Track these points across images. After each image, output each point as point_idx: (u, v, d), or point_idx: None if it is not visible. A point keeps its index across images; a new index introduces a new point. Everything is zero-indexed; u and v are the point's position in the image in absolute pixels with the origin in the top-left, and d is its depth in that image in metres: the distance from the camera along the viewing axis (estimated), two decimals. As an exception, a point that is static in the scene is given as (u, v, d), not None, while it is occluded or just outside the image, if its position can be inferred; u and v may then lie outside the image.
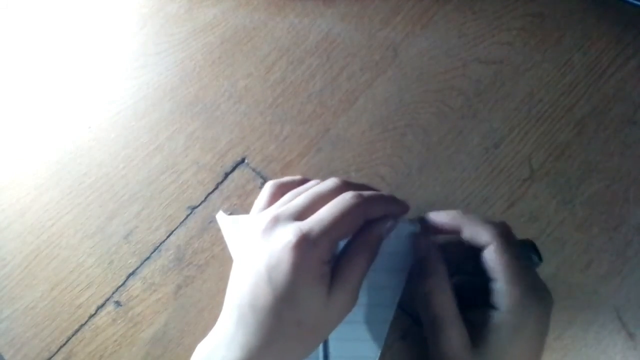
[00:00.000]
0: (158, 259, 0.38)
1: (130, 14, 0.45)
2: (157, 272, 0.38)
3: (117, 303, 0.38)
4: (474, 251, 0.29)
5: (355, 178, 0.39)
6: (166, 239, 0.39)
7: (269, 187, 0.32)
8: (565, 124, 0.39)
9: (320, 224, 0.25)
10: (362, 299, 0.31)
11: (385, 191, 0.38)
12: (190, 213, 0.39)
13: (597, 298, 0.35)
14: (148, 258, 0.38)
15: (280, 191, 0.31)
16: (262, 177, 0.40)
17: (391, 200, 0.29)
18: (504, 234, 0.28)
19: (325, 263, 0.25)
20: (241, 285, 0.26)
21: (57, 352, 0.37)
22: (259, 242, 0.26)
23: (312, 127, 0.40)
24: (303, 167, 0.40)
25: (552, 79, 0.40)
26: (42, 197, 0.40)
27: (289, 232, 0.25)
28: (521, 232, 0.32)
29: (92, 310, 0.38)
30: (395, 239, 0.30)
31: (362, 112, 0.40)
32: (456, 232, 0.29)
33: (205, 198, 0.39)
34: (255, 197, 0.39)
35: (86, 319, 0.37)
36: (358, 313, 0.32)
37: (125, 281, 0.38)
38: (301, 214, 0.26)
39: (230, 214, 0.39)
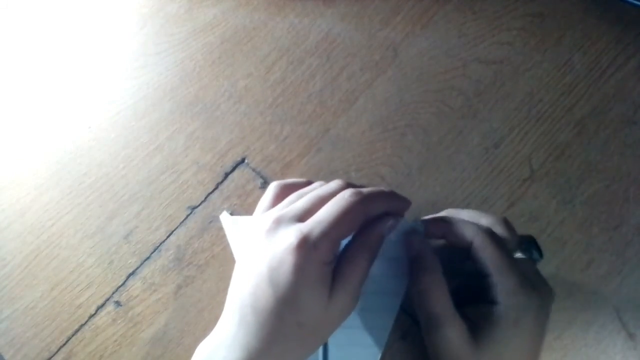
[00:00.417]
0: (158, 259, 0.38)
1: (130, 14, 0.45)
2: (157, 272, 0.38)
3: (117, 303, 0.38)
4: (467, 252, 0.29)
5: (355, 178, 0.39)
6: (166, 239, 0.39)
7: (273, 187, 0.32)
8: (565, 124, 0.39)
9: (320, 225, 0.25)
10: (363, 304, 0.30)
11: (385, 191, 0.38)
12: (190, 213, 0.39)
13: (597, 298, 0.35)
14: (148, 258, 0.38)
15: (284, 192, 0.31)
16: (262, 177, 0.40)
17: (392, 196, 0.29)
18: (485, 230, 0.28)
19: (327, 264, 0.25)
20: (243, 286, 0.26)
21: (57, 352, 0.37)
22: (261, 244, 0.26)
23: (312, 127, 0.40)
24: (303, 167, 0.40)
25: (552, 79, 0.40)
26: (42, 197, 0.40)
27: (291, 234, 0.25)
28: (521, 232, 0.32)
29: (92, 310, 0.38)
30: (396, 244, 0.30)
31: (362, 112, 0.40)
32: (442, 237, 0.30)
33: (205, 198, 0.39)
34: (255, 197, 0.39)
35: (86, 319, 0.37)
36: (358, 318, 0.32)
37: (125, 281, 0.38)
38: (303, 216, 0.26)
39: (231, 213, 0.39)
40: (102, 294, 0.38)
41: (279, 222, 0.26)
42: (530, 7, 0.41)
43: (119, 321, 0.37)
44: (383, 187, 0.38)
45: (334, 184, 0.28)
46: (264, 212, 0.31)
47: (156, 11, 0.45)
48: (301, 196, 0.28)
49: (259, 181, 0.40)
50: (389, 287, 0.32)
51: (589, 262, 0.36)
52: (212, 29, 0.44)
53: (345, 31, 0.43)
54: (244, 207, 0.39)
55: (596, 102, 0.39)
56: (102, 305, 0.38)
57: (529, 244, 0.31)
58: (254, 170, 0.40)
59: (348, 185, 0.28)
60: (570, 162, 0.38)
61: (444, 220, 0.30)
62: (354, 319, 0.30)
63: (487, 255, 0.27)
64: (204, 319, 0.37)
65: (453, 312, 0.27)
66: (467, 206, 0.37)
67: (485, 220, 0.30)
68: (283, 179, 0.39)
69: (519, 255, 0.30)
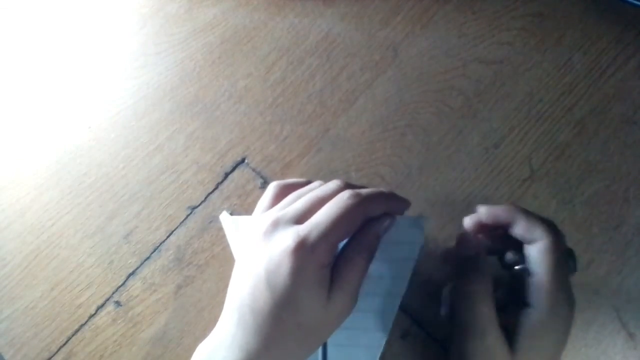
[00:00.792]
0: (158, 259, 0.38)
1: (130, 14, 0.45)
2: (157, 272, 0.38)
3: (117, 303, 0.38)
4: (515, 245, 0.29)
5: (355, 178, 0.39)
6: (166, 239, 0.39)
7: (272, 188, 0.32)
8: (565, 124, 0.39)
9: (318, 228, 0.25)
10: (362, 304, 0.30)
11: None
12: (190, 213, 0.39)
13: (597, 298, 0.35)
14: (148, 258, 0.38)
15: (284, 192, 0.31)
16: (262, 177, 0.40)
17: (391, 197, 0.29)
18: (557, 232, 0.28)
19: (325, 267, 0.25)
20: (241, 287, 0.26)
21: (57, 352, 0.37)
22: (259, 245, 0.26)
23: (312, 127, 0.40)
24: (303, 167, 0.40)
25: (552, 79, 0.40)
26: (42, 197, 0.40)
27: (288, 237, 0.25)
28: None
29: (92, 310, 0.38)
30: (396, 245, 0.30)
31: (362, 112, 0.40)
32: (505, 226, 0.29)
33: (205, 198, 0.39)
34: (255, 197, 0.39)
35: (86, 319, 0.37)
36: (357, 319, 0.32)
37: (125, 281, 0.38)
38: (302, 217, 0.26)
39: (231, 213, 0.39)
40: (102, 294, 0.38)
41: (277, 224, 0.26)
42: (530, 7, 0.41)
43: (119, 321, 0.37)
44: (382, 188, 0.38)
45: (333, 184, 0.28)
46: (263, 212, 0.30)
47: (156, 11, 0.45)
48: (300, 197, 0.28)
49: (259, 181, 0.39)
50: (388, 288, 0.32)
51: (589, 262, 0.36)
52: (212, 29, 0.44)
53: (345, 31, 0.43)
54: (244, 207, 0.39)
55: (596, 102, 0.39)
56: (102, 305, 0.38)
57: (569, 255, 0.30)
58: (254, 170, 0.40)
59: (347, 185, 0.28)
60: (570, 162, 0.38)
61: (515, 208, 0.29)
62: (353, 320, 0.30)
63: (549, 258, 0.27)
64: (204, 319, 0.37)
65: (496, 322, 0.27)
66: (467, 206, 0.37)
67: (539, 230, 0.29)
68: (283, 179, 0.39)
69: None
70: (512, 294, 0.28)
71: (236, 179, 0.40)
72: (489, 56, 0.41)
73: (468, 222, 0.30)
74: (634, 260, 0.35)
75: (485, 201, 0.37)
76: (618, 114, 0.38)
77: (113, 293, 0.38)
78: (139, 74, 0.43)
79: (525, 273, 0.28)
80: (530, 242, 0.28)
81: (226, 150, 0.41)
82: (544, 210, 0.37)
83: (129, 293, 0.38)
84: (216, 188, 0.40)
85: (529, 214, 0.28)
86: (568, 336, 0.28)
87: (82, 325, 0.37)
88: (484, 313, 0.27)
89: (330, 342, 0.32)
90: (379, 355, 0.32)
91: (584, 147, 0.38)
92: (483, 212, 0.30)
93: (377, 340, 0.32)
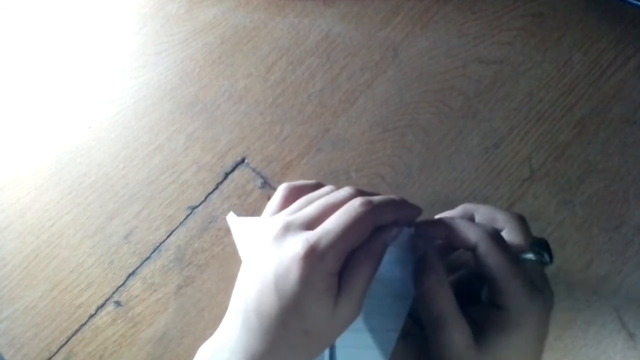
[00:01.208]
0: (158, 259, 0.38)
1: (130, 14, 0.45)
2: (157, 272, 0.38)
3: (117, 303, 0.38)
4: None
5: (355, 178, 0.39)
6: (166, 239, 0.39)
7: (282, 189, 0.31)
8: (565, 124, 0.39)
9: (328, 236, 0.24)
10: (372, 307, 0.30)
11: (385, 191, 0.38)
12: (190, 213, 0.39)
13: (597, 298, 0.35)
14: (148, 258, 0.38)
15: (293, 195, 0.31)
16: (262, 177, 0.40)
17: (402, 204, 0.29)
18: (490, 234, 0.28)
19: (333, 274, 0.25)
20: (248, 290, 0.26)
21: (57, 352, 0.37)
22: (268, 249, 0.26)
23: (312, 127, 0.40)
24: (303, 167, 0.40)
25: (552, 79, 0.40)
26: (42, 197, 0.40)
27: (298, 243, 0.24)
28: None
29: (92, 310, 0.38)
30: (406, 248, 0.30)
31: (362, 112, 0.40)
32: (446, 239, 0.29)
33: (205, 198, 0.39)
34: (255, 197, 0.39)
35: (86, 319, 0.37)
36: (367, 321, 0.32)
37: (125, 281, 0.38)
38: (312, 223, 0.26)
39: (230, 211, 0.39)
40: (102, 294, 0.38)
41: (287, 229, 0.26)
42: (530, 7, 0.41)
43: (119, 321, 0.37)
44: (382, 191, 0.38)
45: (345, 191, 0.28)
46: (272, 214, 0.30)
47: (156, 11, 0.45)
48: (311, 201, 0.28)
49: (259, 181, 0.39)
50: (398, 291, 0.31)
51: (589, 262, 0.36)
52: (212, 29, 0.44)
53: (345, 31, 0.43)
54: (244, 207, 0.39)
55: (596, 102, 0.39)
56: (102, 305, 0.38)
57: (541, 246, 0.30)
58: (254, 170, 0.40)
59: (359, 192, 0.28)
60: (570, 162, 0.38)
61: (446, 222, 0.29)
62: (362, 322, 0.29)
63: (492, 260, 0.27)
64: (204, 319, 0.37)
65: (457, 314, 0.27)
66: (467, 206, 0.37)
67: (501, 216, 0.30)
68: (283, 179, 0.39)
69: (530, 256, 0.29)
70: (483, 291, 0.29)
71: (236, 179, 0.40)
72: (489, 56, 0.41)
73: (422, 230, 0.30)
74: (634, 260, 0.35)
75: (485, 201, 0.37)
76: (618, 114, 0.38)
77: (113, 293, 0.38)
78: (139, 74, 0.43)
79: (484, 278, 0.28)
80: (472, 248, 0.28)
81: (226, 150, 0.41)
82: (544, 210, 0.37)
83: (129, 293, 0.38)
84: (216, 188, 0.40)
85: (459, 224, 0.29)
86: (545, 329, 0.28)
87: (82, 325, 0.37)
88: (441, 304, 0.27)
89: (339, 344, 0.31)
90: (388, 357, 0.32)
91: (584, 147, 0.38)
92: (421, 231, 0.30)
93: (386, 342, 0.32)
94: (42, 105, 0.43)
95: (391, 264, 0.30)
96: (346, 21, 0.43)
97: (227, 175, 0.40)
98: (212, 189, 0.40)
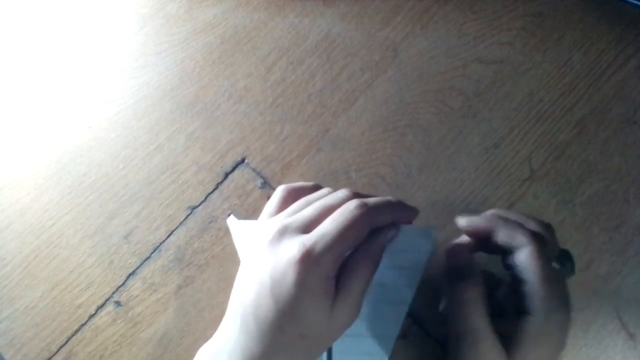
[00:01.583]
0: (158, 259, 0.38)
1: (130, 14, 0.45)
2: (157, 272, 0.38)
3: (117, 303, 0.38)
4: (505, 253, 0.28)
5: (355, 178, 0.39)
6: (166, 239, 0.39)
7: (280, 191, 0.31)
8: (565, 124, 0.39)
9: (324, 239, 0.24)
10: (369, 312, 0.30)
11: (385, 191, 0.38)
12: (190, 213, 0.39)
13: (597, 298, 0.35)
14: (148, 258, 0.38)
15: (292, 196, 0.31)
16: (262, 177, 0.40)
17: (399, 206, 0.28)
18: (539, 237, 0.27)
19: (330, 278, 0.25)
20: (245, 293, 0.26)
21: (57, 352, 0.37)
22: (265, 253, 0.26)
23: (312, 127, 0.40)
24: (303, 167, 0.40)
25: (552, 79, 0.40)
26: (42, 197, 0.40)
27: (294, 247, 0.24)
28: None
29: (92, 310, 0.38)
30: (404, 253, 0.30)
31: (362, 112, 0.40)
32: (487, 236, 0.29)
33: (205, 198, 0.39)
34: (255, 197, 0.39)
35: (86, 319, 0.37)
36: (364, 326, 0.32)
37: (125, 281, 0.38)
38: (308, 226, 0.26)
39: (230, 214, 0.39)
40: (102, 294, 0.38)
41: (283, 232, 0.26)
42: (530, 7, 0.41)
43: (119, 321, 0.37)
44: (383, 192, 0.38)
45: (341, 193, 0.28)
46: (270, 216, 0.30)
47: (156, 11, 0.45)
48: (307, 204, 0.28)
49: (259, 181, 0.39)
50: (396, 296, 0.31)
51: (589, 262, 0.36)
52: (212, 29, 0.44)
53: (345, 31, 0.43)
54: (244, 207, 0.39)
55: (596, 102, 0.39)
56: (102, 305, 0.38)
57: (565, 257, 0.30)
58: (254, 170, 0.40)
59: (355, 195, 0.28)
60: (570, 162, 0.38)
61: (492, 218, 0.29)
62: (359, 327, 0.29)
63: (534, 265, 0.26)
64: (204, 319, 0.37)
65: (490, 328, 0.27)
66: (467, 206, 0.37)
67: (531, 225, 0.29)
68: (283, 179, 0.39)
69: (556, 265, 0.29)
70: (513, 295, 0.28)
71: (236, 179, 0.40)
72: (489, 56, 0.41)
73: (462, 223, 0.30)
74: (634, 260, 0.35)
75: (485, 201, 0.37)
76: (618, 114, 0.38)
77: (113, 293, 0.38)
78: (139, 74, 0.43)
79: (518, 279, 0.28)
80: (514, 249, 0.28)
81: (226, 150, 0.41)
82: (544, 210, 0.37)
83: (129, 293, 0.38)
84: (216, 188, 0.40)
85: (508, 222, 0.28)
86: (566, 339, 0.28)
87: (82, 325, 0.37)
88: (477, 320, 0.27)
89: (336, 349, 0.31)
90: None
91: (584, 147, 0.38)
92: (463, 225, 0.29)
93: (383, 347, 0.32)
94: (42, 105, 0.43)
95: (389, 269, 0.30)
96: (346, 21, 0.43)
97: (227, 175, 0.40)
98: (212, 189, 0.40)
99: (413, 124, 0.40)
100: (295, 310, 0.24)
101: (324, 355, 0.31)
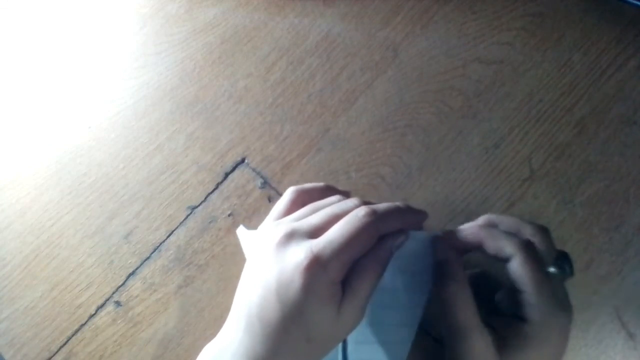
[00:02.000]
0: (158, 259, 0.38)
1: (130, 14, 0.45)
2: (157, 272, 0.38)
3: (117, 303, 0.38)
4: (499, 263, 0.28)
5: (355, 178, 0.39)
6: (166, 239, 0.39)
7: (289, 193, 0.31)
8: (565, 124, 0.39)
9: (332, 245, 0.24)
10: (383, 318, 0.30)
11: (385, 191, 0.38)
12: (190, 213, 0.39)
13: (597, 298, 0.35)
14: (148, 258, 0.38)
15: (301, 198, 0.31)
16: (262, 177, 0.40)
17: (407, 212, 0.28)
18: (528, 245, 0.28)
19: (336, 284, 0.25)
20: (250, 295, 0.26)
21: (57, 352, 0.37)
22: (272, 256, 0.26)
23: (312, 127, 0.40)
24: (303, 167, 0.40)
25: (552, 79, 0.40)
26: (42, 197, 0.40)
27: (301, 252, 0.24)
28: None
29: (92, 310, 0.38)
30: (416, 257, 0.30)
31: (362, 112, 0.40)
32: (479, 247, 0.29)
33: (205, 198, 0.39)
34: (255, 197, 0.39)
35: (86, 319, 0.37)
36: (379, 333, 0.31)
37: (125, 281, 0.38)
38: (316, 232, 0.26)
39: (230, 214, 0.39)
40: (102, 294, 0.38)
41: (290, 237, 0.26)
42: (530, 7, 0.41)
43: (119, 321, 0.37)
44: (383, 192, 0.38)
45: (351, 202, 0.28)
46: (277, 218, 0.30)
47: (156, 11, 0.45)
48: (316, 210, 0.28)
49: (259, 181, 0.40)
50: (409, 301, 0.31)
51: (589, 262, 0.36)
52: (212, 29, 0.44)
53: (345, 31, 0.43)
54: (244, 207, 0.39)
55: (596, 102, 0.39)
56: (102, 305, 0.38)
57: (563, 259, 0.30)
58: (254, 170, 0.40)
59: (364, 204, 0.28)
60: (570, 162, 0.38)
61: (481, 230, 0.29)
62: (374, 334, 0.29)
63: (526, 273, 0.27)
64: (204, 319, 0.37)
65: (478, 323, 0.27)
66: (467, 206, 0.37)
67: (526, 230, 0.29)
68: (283, 179, 0.39)
69: (552, 269, 0.29)
70: (510, 300, 0.28)
71: (236, 179, 0.40)
72: (489, 56, 0.41)
73: (451, 238, 0.30)
74: (634, 260, 0.35)
75: (485, 201, 0.37)
76: (618, 114, 0.38)
77: (113, 293, 0.38)
78: (139, 74, 0.43)
79: (512, 289, 0.28)
80: (505, 260, 0.28)
81: (226, 150, 0.41)
82: (544, 210, 0.37)
83: (129, 293, 0.38)
84: (216, 188, 0.40)
85: (495, 233, 0.28)
86: (565, 343, 0.28)
87: (82, 325, 0.37)
88: (463, 314, 0.27)
89: (351, 356, 0.31)
90: None
91: (584, 147, 0.38)
92: (451, 236, 0.29)
93: (399, 353, 0.32)
94: (42, 105, 0.43)
95: (398, 274, 0.30)
96: (346, 21, 0.43)
97: (227, 175, 0.40)
98: (212, 189, 0.40)
99: (413, 124, 0.40)
100: (302, 315, 0.24)
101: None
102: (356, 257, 0.26)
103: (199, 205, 0.39)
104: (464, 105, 0.40)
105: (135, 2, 0.45)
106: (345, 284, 0.26)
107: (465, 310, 0.27)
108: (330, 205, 0.28)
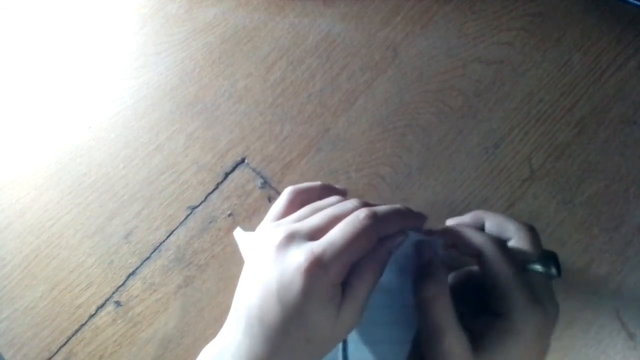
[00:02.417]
0: (158, 259, 0.38)
1: (130, 14, 0.45)
2: (157, 272, 0.38)
3: (117, 303, 0.38)
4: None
5: (355, 178, 0.39)
6: (166, 239, 0.39)
7: (287, 193, 0.31)
8: (565, 124, 0.39)
9: (332, 247, 0.24)
10: (384, 318, 0.30)
11: (385, 191, 0.38)
12: (190, 213, 0.39)
13: (597, 298, 0.35)
14: (148, 258, 0.38)
15: (299, 198, 0.31)
16: (262, 177, 0.40)
17: (407, 214, 0.28)
18: (494, 241, 0.28)
19: (336, 285, 0.25)
20: (250, 296, 0.26)
21: (57, 352, 0.37)
22: (272, 258, 0.26)
23: (312, 127, 0.40)
24: (303, 167, 0.40)
25: (552, 79, 0.40)
26: (42, 197, 0.40)
27: (302, 254, 0.24)
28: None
29: (92, 310, 0.38)
30: (413, 259, 0.30)
31: (362, 112, 0.40)
32: (453, 246, 0.29)
33: (205, 198, 0.39)
34: (256, 197, 0.39)
35: (86, 319, 0.37)
36: (379, 333, 0.31)
37: (125, 281, 0.38)
38: (316, 234, 0.26)
39: (230, 214, 0.39)
40: (102, 294, 0.38)
41: (291, 239, 0.26)
42: (530, 7, 0.41)
43: (119, 321, 0.37)
44: (383, 192, 0.38)
45: (351, 203, 0.28)
46: (275, 219, 0.30)
47: (156, 11, 0.45)
48: (316, 210, 0.28)
49: (259, 181, 0.39)
50: (409, 301, 0.31)
51: (589, 262, 0.36)
52: (212, 29, 0.44)
53: (345, 31, 0.43)
54: (244, 207, 0.39)
55: (596, 102, 0.39)
56: (102, 305, 0.38)
57: (549, 259, 0.30)
58: (254, 170, 0.40)
59: (365, 205, 0.28)
60: (570, 162, 0.38)
61: (453, 229, 0.30)
62: (375, 334, 0.29)
63: (494, 267, 0.27)
64: (204, 319, 0.37)
65: (456, 324, 0.27)
66: (467, 206, 0.37)
67: (510, 225, 0.30)
68: (283, 179, 0.39)
69: (537, 267, 0.29)
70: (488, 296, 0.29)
71: (236, 179, 0.40)
72: (489, 56, 0.41)
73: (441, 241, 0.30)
74: (634, 260, 0.35)
75: (485, 201, 0.37)
76: (618, 114, 0.38)
77: (113, 293, 0.38)
78: (139, 74, 0.43)
79: (486, 285, 0.28)
80: (476, 256, 0.28)
81: (226, 150, 0.41)
82: (544, 210, 0.37)
83: (129, 293, 0.38)
84: (216, 188, 0.40)
85: (463, 231, 0.29)
86: (546, 341, 0.28)
87: (82, 325, 0.37)
88: (440, 315, 0.27)
89: (352, 357, 0.31)
90: None
91: (584, 147, 0.38)
92: (453, 225, 0.30)
93: (399, 352, 0.32)
94: (42, 105, 0.43)
95: (398, 275, 0.30)
96: (346, 21, 0.43)
97: (227, 175, 0.40)
98: (212, 189, 0.40)
99: (413, 124, 0.40)
100: (302, 316, 0.24)
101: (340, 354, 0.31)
102: (356, 259, 0.26)
103: (199, 205, 0.39)
104: (464, 105, 0.40)
105: (135, 2, 0.45)
106: (345, 285, 0.26)
107: (441, 311, 0.27)
108: (330, 207, 0.28)
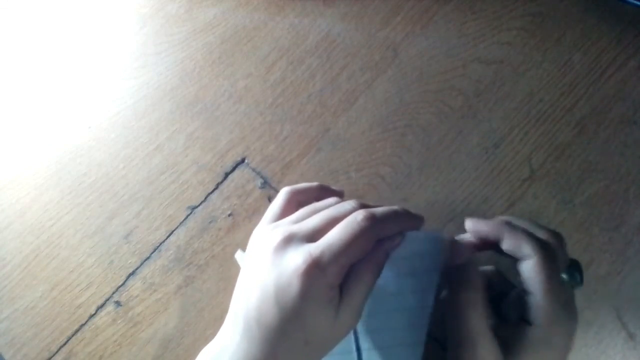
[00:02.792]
0: (158, 259, 0.38)
1: (130, 14, 0.45)
2: (157, 272, 0.38)
3: (117, 303, 0.38)
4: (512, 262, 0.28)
5: (355, 178, 0.39)
6: (166, 239, 0.39)
7: (283, 194, 0.31)
8: (565, 124, 0.39)
9: (330, 250, 0.24)
10: (390, 322, 0.30)
11: (385, 191, 0.38)
12: (190, 213, 0.39)
13: (597, 298, 0.35)
14: (148, 258, 0.38)
15: (295, 199, 0.31)
16: (262, 177, 0.40)
17: (404, 216, 0.28)
18: (546, 247, 0.27)
19: (335, 287, 0.25)
20: (248, 298, 0.26)
21: (57, 352, 0.37)
22: (270, 260, 0.26)
23: (312, 127, 0.40)
24: (303, 167, 0.40)
25: (552, 79, 0.40)
26: (42, 197, 0.40)
27: (300, 256, 0.24)
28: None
29: (92, 310, 0.38)
30: (419, 257, 0.30)
31: (362, 112, 0.40)
32: (495, 241, 0.28)
33: (205, 198, 0.39)
34: (255, 197, 0.39)
35: (86, 319, 0.37)
36: (388, 337, 0.31)
37: (125, 281, 0.38)
38: (314, 236, 0.26)
39: (230, 214, 0.39)
40: (102, 294, 0.38)
41: (289, 241, 0.26)
42: (530, 7, 0.41)
43: (119, 321, 0.37)
44: (383, 192, 0.38)
45: (348, 205, 0.28)
46: (273, 220, 0.30)
47: (156, 11, 0.45)
48: (313, 212, 0.28)
49: (259, 181, 0.40)
50: (417, 302, 0.31)
51: (589, 262, 0.36)
52: (212, 29, 0.44)
53: (345, 31, 0.43)
54: (244, 207, 0.39)
55: (596, 102, 0.39)
56: (102, 305, 0.38)
57: (574, 268, 0.30)
58: (254, 170, 0.40)
59: (362, 206, 0.28)
60: (570, 162, 0.38)
61: (501, 225, 0.28)
62: (387, 338, 0.29)
63: (539, 277, 0.26)
64: (204, 319, 0.37)
65: (488, 333, 0.27)
66: (467, 206, 0.37)
67: (541, 234, 0.29)
68: (283, 179, 0.39)
69: (564, 276, 0.29)
70: (519, 303, 0.28)
71: (236, 179, 0.40)
72: (489, 56, 0.41)
73: (469, 225, 0.30)
74: (634, 260, 0.35)
75: (485, 201, 0.37)
76: (618, 114, 0.38)
77: (113, 293, 0.38)
78: (139, 74, 0.43)
79: (524, 289, 0.27)
80: (520, 258, 0.27)
81: (226, 150, 0.41)
82: (544, 210, 0.37)
83: (129, 293, 0.38)
84: (216, 188, 0.40)
85: (515, 230, 0.28)
86: (568, 352, 0.28)
87: (82, 325, 0.37)
88: (475, 322, 0.27)
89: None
90: None
91: (584, 147, 0.38)
92: (470, 227, 0.29)
93: (412, 354, 0.31)
94: (42, 105, 0.43)
95: (399, 277, 0.30)
96: (346, 21, 0.43)
97: (227, 175, 0.40)
98: (212, 189, 0.40)
99: (413, 124, 0.40)
100: (300, 318, 0.24)
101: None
102: (354, 261, 0.26)
103: (199, 205, 0.39)
104: (464, 105, 0.40)
105: (135, 2, 0.45)
106: (343, 286, 0.26)
107: (477, 319, 0.27)
108: (328, 208, 0.28)
